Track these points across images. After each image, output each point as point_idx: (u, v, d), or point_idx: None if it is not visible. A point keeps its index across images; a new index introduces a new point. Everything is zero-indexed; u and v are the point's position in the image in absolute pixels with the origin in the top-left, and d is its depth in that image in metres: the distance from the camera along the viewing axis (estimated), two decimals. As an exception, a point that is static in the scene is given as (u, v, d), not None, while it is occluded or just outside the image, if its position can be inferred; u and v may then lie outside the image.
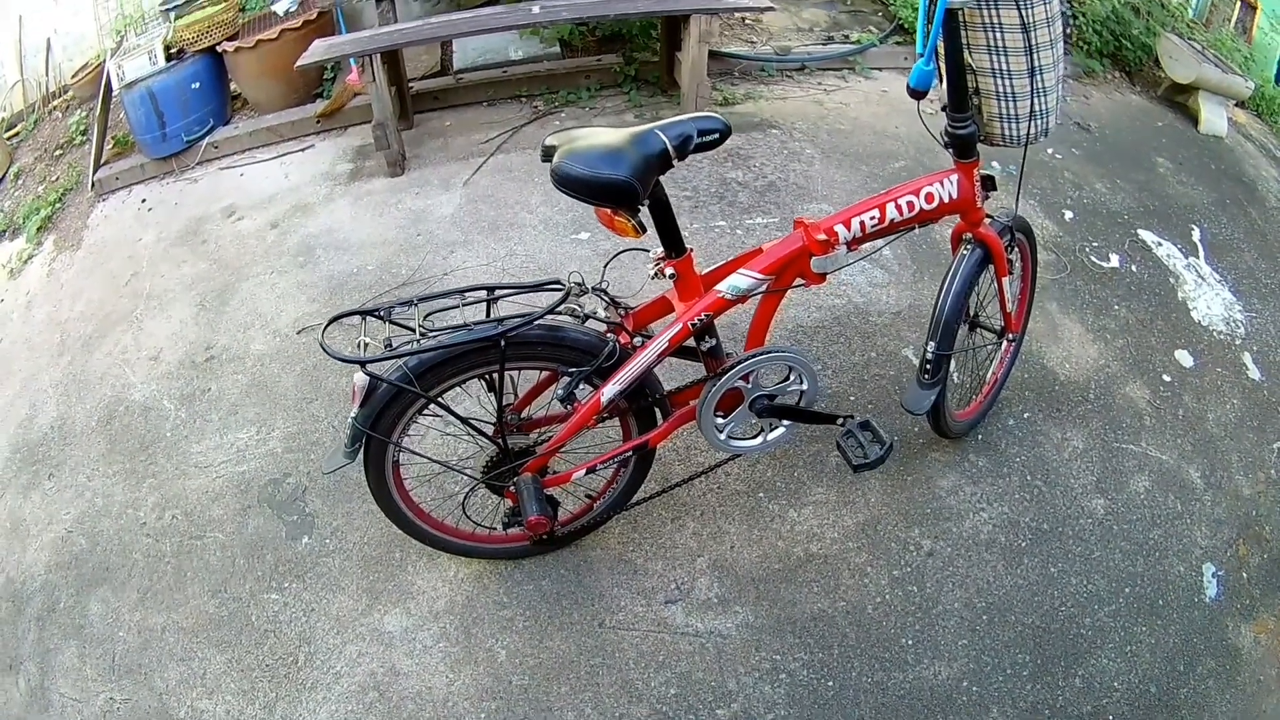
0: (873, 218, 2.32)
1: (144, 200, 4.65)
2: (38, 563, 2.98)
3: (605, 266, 2.37)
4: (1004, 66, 2.27)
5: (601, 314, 2.28)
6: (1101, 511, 2.93)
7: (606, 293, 2.30)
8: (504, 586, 2.65)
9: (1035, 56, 2.25)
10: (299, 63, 4.16)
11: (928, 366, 2.57)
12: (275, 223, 4.12)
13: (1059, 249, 4.04)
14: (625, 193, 1.94)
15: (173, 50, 4.75)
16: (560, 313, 2.13)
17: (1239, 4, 7.31)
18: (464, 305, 2.17)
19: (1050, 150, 4.76)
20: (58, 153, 5.42)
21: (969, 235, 2.56)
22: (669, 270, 2.24)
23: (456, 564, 2.70)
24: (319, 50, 4.20)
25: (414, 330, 2.03)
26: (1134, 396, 3.38)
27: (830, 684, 2.48)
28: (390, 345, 1.98)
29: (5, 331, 4.15)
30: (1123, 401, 3.34)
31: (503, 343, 2.05)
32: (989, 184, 2.51)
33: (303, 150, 4.73)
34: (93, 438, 3.31)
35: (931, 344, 2.53)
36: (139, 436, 3.24)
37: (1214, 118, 5.63)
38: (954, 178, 2.41)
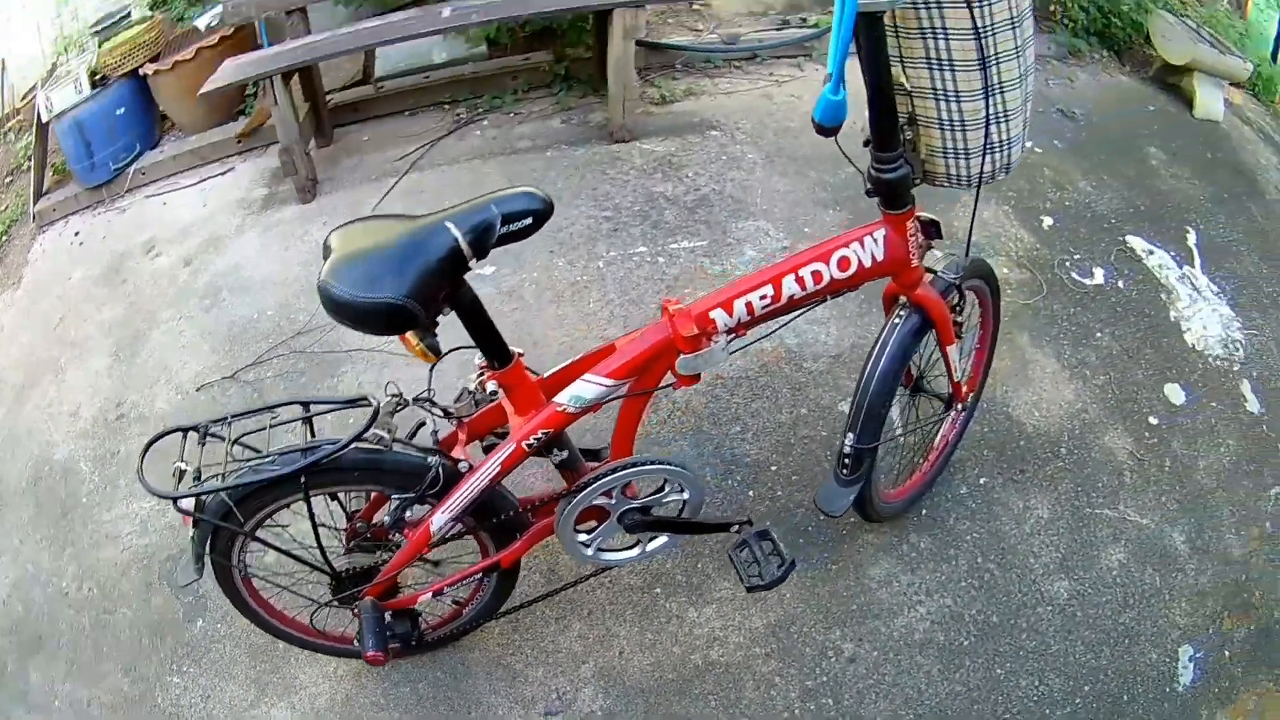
0: (764, 297, 1.84)
1: (77, 233, 4.42)
2: (-17, 625, 2.86)
3: (431, 371, 1.88)
4: (949, 86, 1.78)
5: (435, 418, 1.94)
6: (1065, 596, 2.53)
7: (434, 402, 1.89)
8: (382, 687, 2.45)
9: (993, 71, 1.76)
10: (203, 89, 3.91)
11: (846, 462, 2.10)
12: (188, 259, 3.89)
13: (1035, 265, 3.58)
14: (398, 318, 1.52)
15: (98, 76, 4.56)
16: (367, 439, 1.77)
17: (1233, -19, 6.93)
18: (273, 425, 1.87)
19: (1029, 143, 4.27)
20: (8, 179, 5.24)
21: (904, 299, 2.07)
22: (491, 386, 1.83)
23: (337, 659, 2.50)
24: (226, 73, 3.90)
25: (240, 449, 1.81)
26: (1114, 448, 2.92)
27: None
28: (200, 476, 1.72)
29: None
30: (1100, 455, 2.88)
31: (303, 479, 1.73)
32: (932, 231, 2.01)
33: (223, 174, 4.45)
34: (23, 499, 3.18)
35: (850, 436, 2.07)
36: (60, 501, 3.10)
37: (1210, 101, 5.20)
38: (879, 234, 1.91)
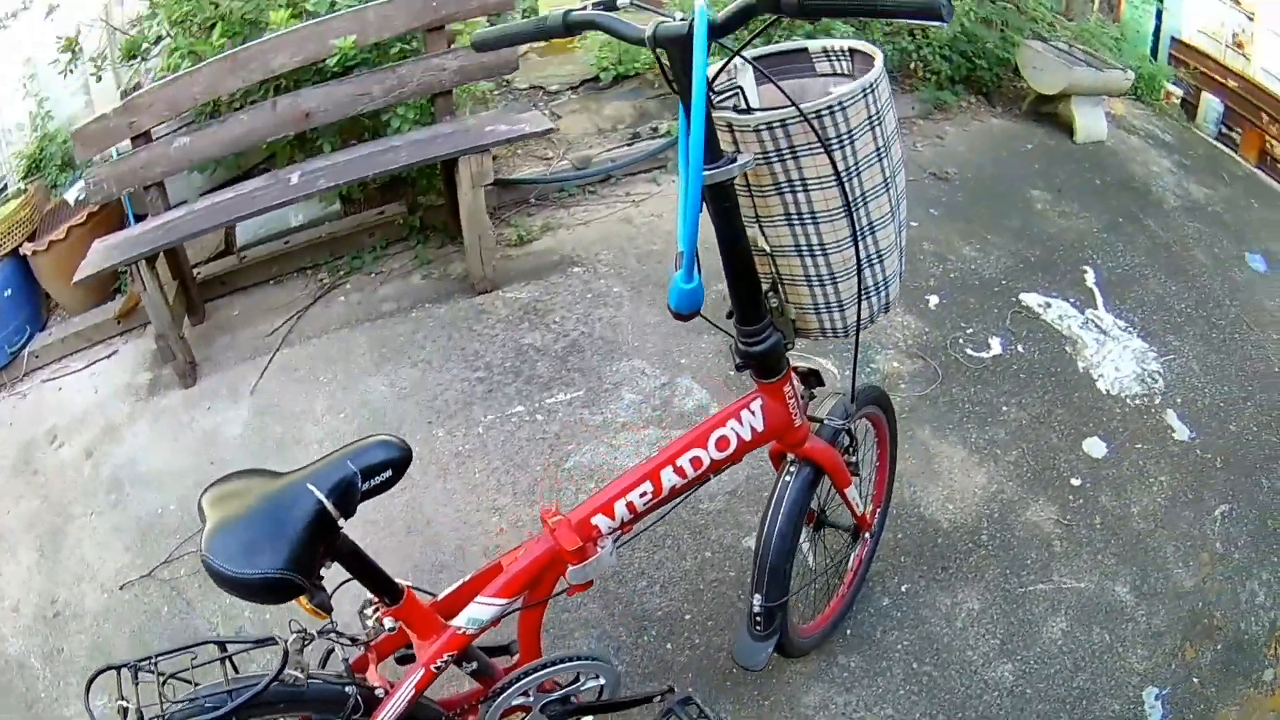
0: (644, 494, 1.91)
1: (-15, 420, 4.55)
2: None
3: (330, 596, 2.00)
4: (814, 240, 1.82)
5: (345, 645, 1.96)
6: (1010, 678, 2.66)
7: (339, 632, 1.94)
8: None
9: (861, 213, 1.80)
10: (75, 277, 4.02)
11: (758, 620, 2.22)
12: (89, 450, 3.97)
13: (927, 351, 3.79)
14: (282, 589, 1.59)
15: (-20, 258, 4.68)
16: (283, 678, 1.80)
17: (1102, -21, 7.32)
18: (195, 666, 1.86)
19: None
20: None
21: (792, 456, 2.19)
22: (388, 621, 1.89)
23: None
24: (94, 258, 4.03)
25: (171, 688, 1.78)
26: (1038, 521, 3.11)
27: None
28: (141, 716, 1.70)
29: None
30: (1024, 532, 3.07)
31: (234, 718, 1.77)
32: (813, 380, 2.14)
33: (108, 356, 4.56)
34: (-9, 693, 3.22)
35: (758, 597, 2.19)
36: (20, 695, 3.13)
37: (1090, 122, 5.53)
38: (756, 405, 1.99)
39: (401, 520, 3.21)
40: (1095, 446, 3.39)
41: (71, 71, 5.00)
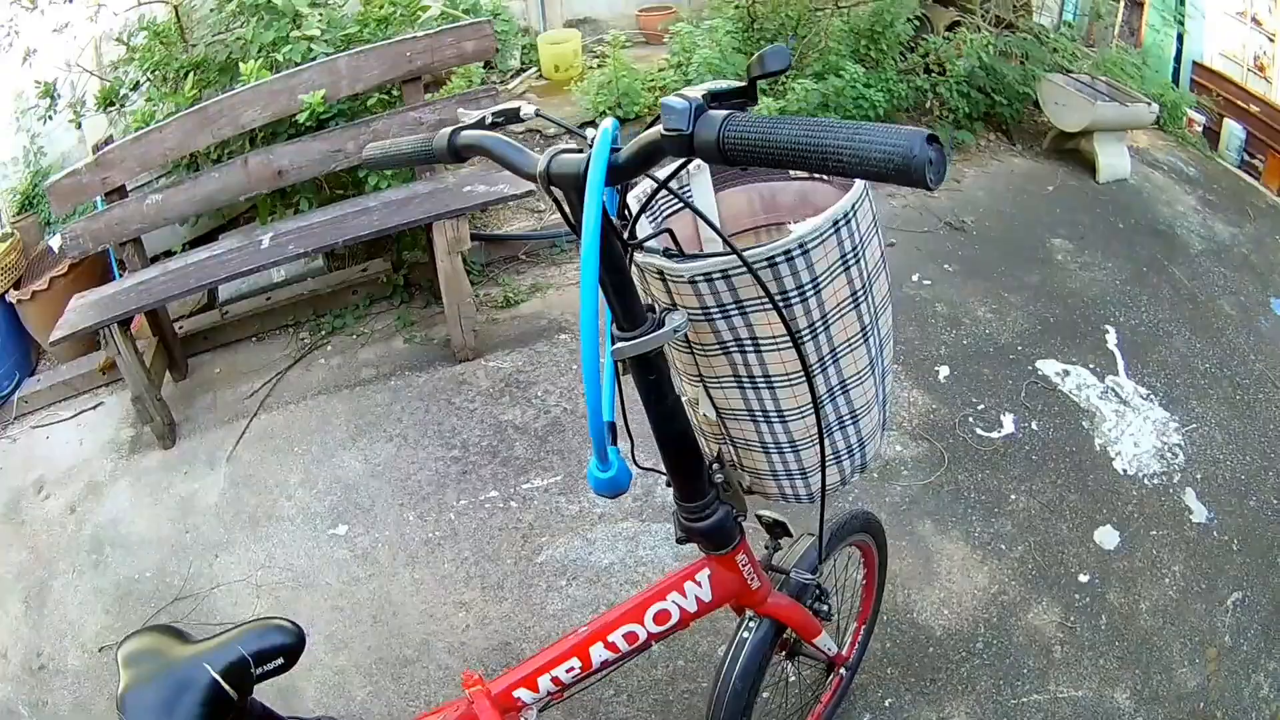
0: (571, 669, 1.76)
1: (-23, 464, 4.62)
2: None
3: None
4: (770, 406, 1.57)
5: None
6: None
7: None
8: None
9: (831, 373, 1.53)
10: (52, 337, 4.04)
11: None
12: (73, 506, 3.99)
13: (933, 432, 3.65)
14: None
15: (-32, 304, 4.72)
16: None
17: (1122, 4, 7.13)
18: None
19: (915, 277, 4.39)
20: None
21: (750, 611, 1.99)
22: None
23: None
24: (72, 318, 4.06)
25: None
26: (1039, 624, 2.96)
27: None
28: None
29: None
30: (1023, 637, 2.92)
31: None
32: (778, 530, 1.97)
33: (94, 408, 4.58)
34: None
35: None
36: None
37: (1113, 160, 5.42)
38: (703, 575, 1.78)
39: (368, 608, 3.13)
40: (1108, 537, 3.24)
41: (50, 118, 5.01)
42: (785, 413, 1.56)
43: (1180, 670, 2.84)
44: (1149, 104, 5.55)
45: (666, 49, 5.77)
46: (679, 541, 1.75)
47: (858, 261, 1.45)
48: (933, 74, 5.50)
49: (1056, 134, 5.53)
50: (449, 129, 1.52)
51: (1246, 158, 7.63)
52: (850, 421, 1.62)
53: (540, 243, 4.86)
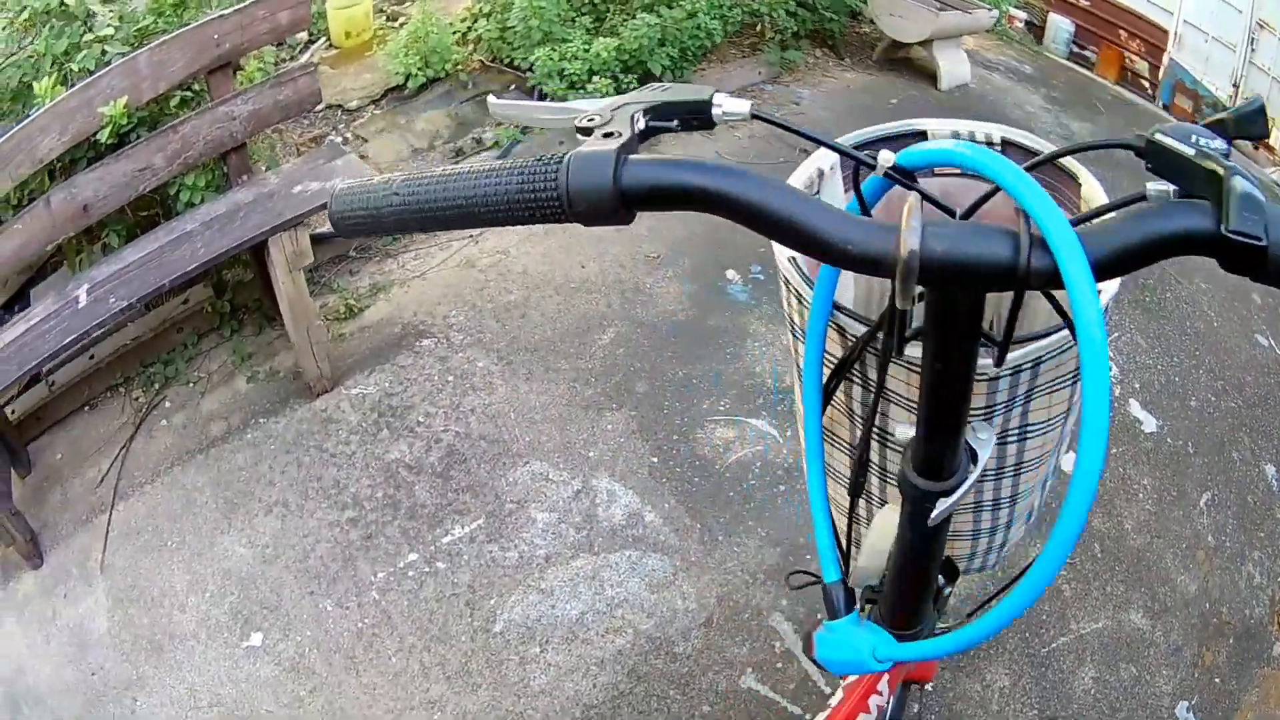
0: None
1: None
2: None
3: None
4: (1006, 493, 1.31)
5: None
6: None
7: None
8: None
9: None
10: None
11: None
12: None
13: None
14: None
15: None
16: None
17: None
18: None
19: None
20: None
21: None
22: None
23: None
24: None
25: None
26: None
27: None
28: None
29: None
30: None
31: None
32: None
33: None
34: None
35: None
36: None
37: (954, 67, 5.55)
38: (883, 682, 1.56)
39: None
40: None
41: None
42: (1019, 495, 1.32)
43: (1179, 578, 3.06)
44: (989, 9, 5.77)
45: (468, -2, 5.59)
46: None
47: None
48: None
49: (888, 44, 5.58)
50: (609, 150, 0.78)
51: (1075, 49, 7.96)
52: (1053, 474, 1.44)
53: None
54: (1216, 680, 2.82)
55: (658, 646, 2.91)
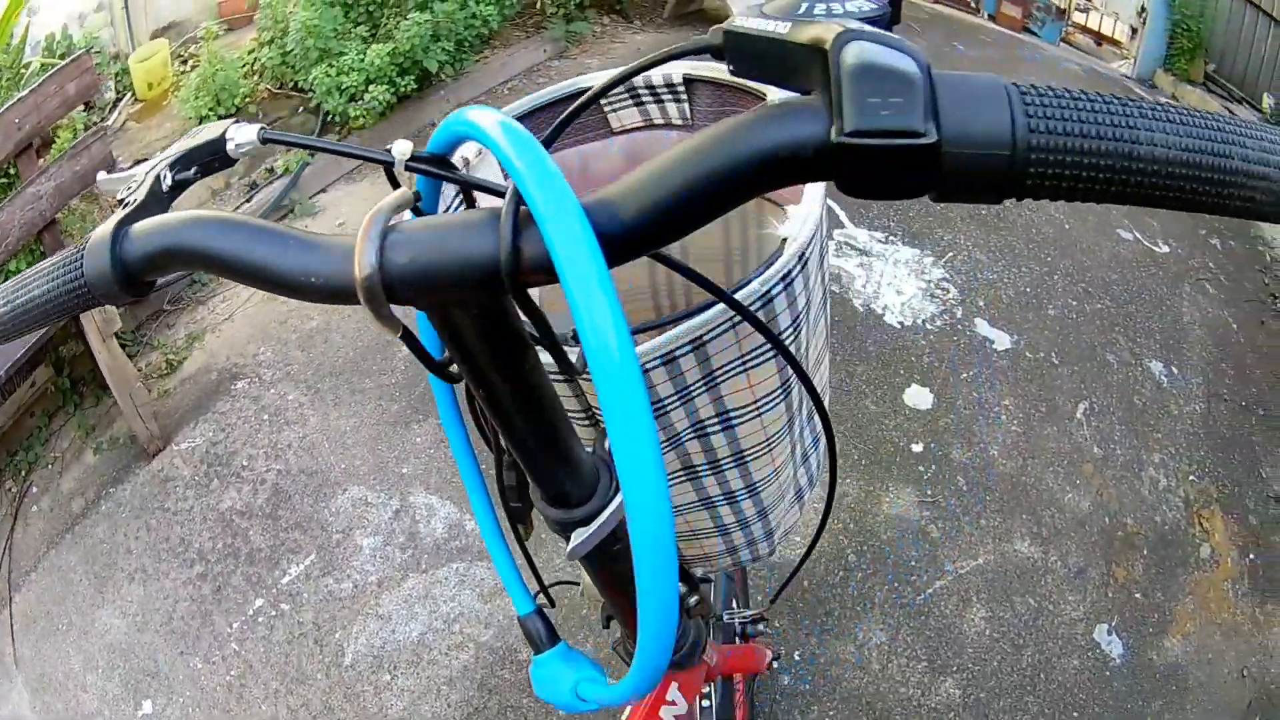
0: None
1: None
2: None
3: None
4: (737, 485, 1.21)
5: None
6: (958, 691, 2.60)
7: None
8: None
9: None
10: None
11: None
12: None
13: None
14: None
15: None
16: None
17: None
18: None
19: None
20: None
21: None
22: None
23: None
24: None
25: None
26: (898, 513, 2.99)
27: None
28: None
29: None
30: (892, 532, 2.94)
31: None
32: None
33: None
34: None
35: None
36: None
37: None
38: (673, 690, 1.46)
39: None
40: (919, 397, 3.27)
41: None
42: (757, 485, 1.19)
43: (1066, 497, 2.98)
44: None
45: (255, 29, 5.56)
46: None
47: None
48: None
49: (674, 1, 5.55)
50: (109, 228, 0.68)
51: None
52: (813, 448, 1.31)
53: (176, 285, 4.47)
54: (1137, 595, 2.76)
55: (501, 657, 2.91)
